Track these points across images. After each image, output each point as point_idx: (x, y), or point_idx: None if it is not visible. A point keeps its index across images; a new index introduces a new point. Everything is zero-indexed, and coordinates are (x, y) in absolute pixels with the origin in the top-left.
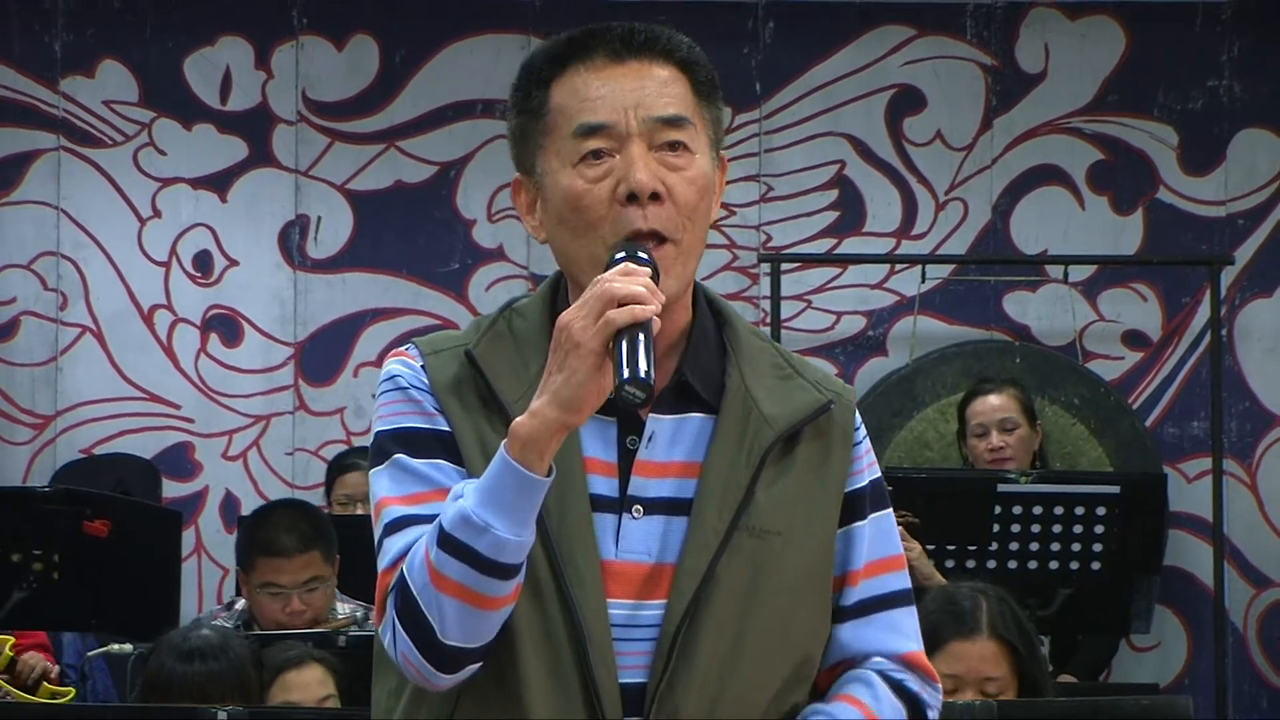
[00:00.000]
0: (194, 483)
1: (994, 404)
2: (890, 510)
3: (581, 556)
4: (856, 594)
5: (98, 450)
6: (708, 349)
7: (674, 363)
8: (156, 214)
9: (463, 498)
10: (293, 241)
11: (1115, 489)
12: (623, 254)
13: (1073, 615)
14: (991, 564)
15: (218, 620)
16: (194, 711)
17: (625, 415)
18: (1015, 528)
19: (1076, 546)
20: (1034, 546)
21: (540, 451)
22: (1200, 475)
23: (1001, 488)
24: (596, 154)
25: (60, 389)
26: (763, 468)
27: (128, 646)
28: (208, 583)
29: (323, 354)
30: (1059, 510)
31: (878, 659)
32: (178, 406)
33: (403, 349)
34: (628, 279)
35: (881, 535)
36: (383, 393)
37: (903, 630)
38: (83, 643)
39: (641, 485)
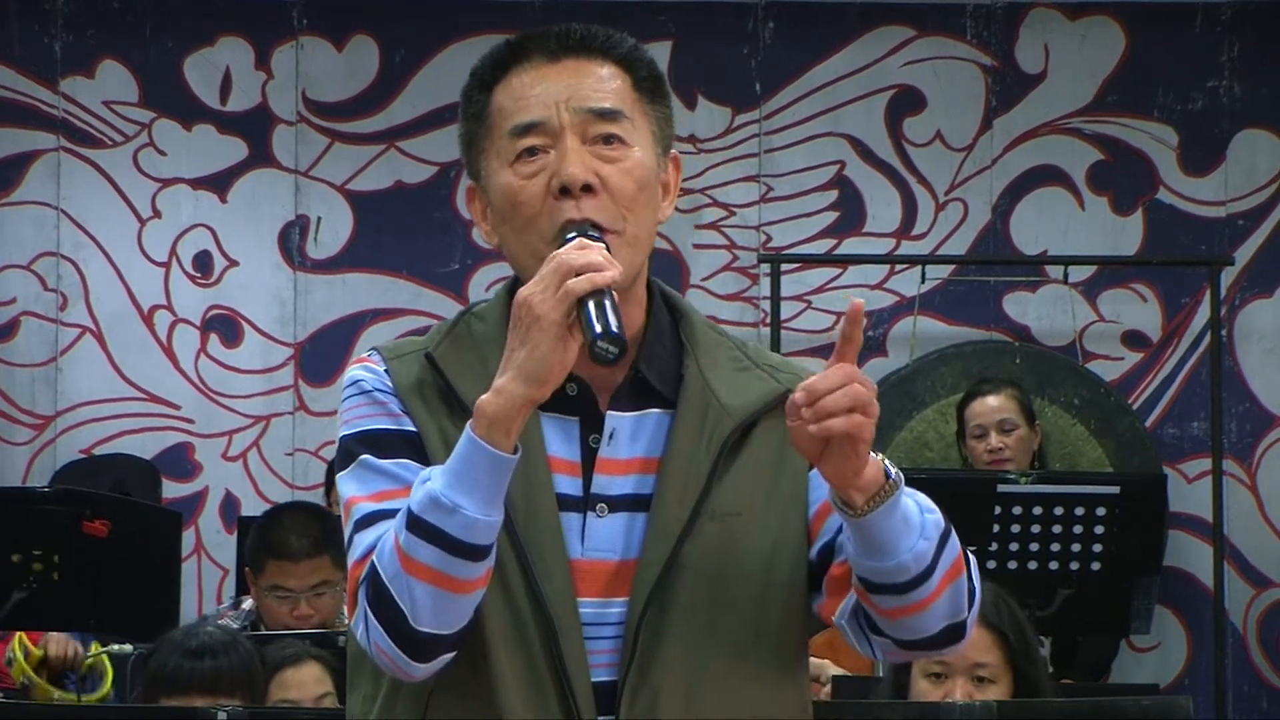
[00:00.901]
0: (194, 483)
1: (992, 405)
2: None
3: (550, 555)
4: None
5: (98, 450)
6: (664, 345)
7: (631, 359)
8: (156, 214)
9: (430, 481)
10: (293, 242)
11: (1115, 489)
12: (574, 234)
13: (1073, 616)
14: (991, 564)
15: (224, 620)
16: (194, 711)
17: (587, 414)
18: (1015, 528)
19: (1076, 547)
20: (1034, 547)
21: (506, 429)
22: (1200, 475)
23: (1001, 488)
24: (531, 151)
25: (60, 389)
26: (722, 457)
27: (128, 646)
28: (208, 583)
29: (323, 354)
30: (1059, 511)
31: None
32: (178, 407)
33: (364, 355)
34: (583, 251)
35: None
36: (347, 398)
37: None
38: (83, 643)
39: (605, 483)
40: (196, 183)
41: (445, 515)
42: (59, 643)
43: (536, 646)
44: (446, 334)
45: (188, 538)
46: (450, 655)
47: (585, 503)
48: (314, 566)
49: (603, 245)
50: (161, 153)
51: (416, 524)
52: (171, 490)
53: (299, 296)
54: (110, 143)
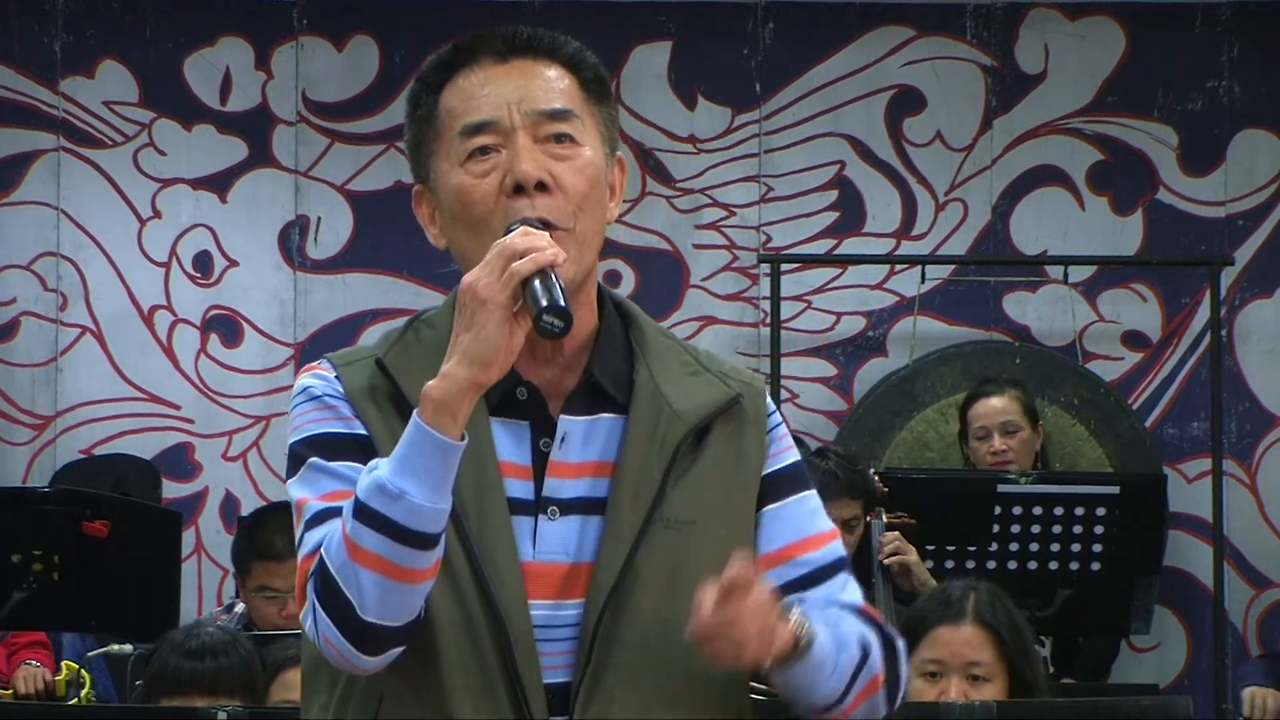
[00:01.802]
0: (194, 483)
1: (996, 406)
2: (813, 491)
3: (502, 558)
4: (797, 569)
5: (98, 451)
6: (615, 349)
7: (583, 364)
8: (156, 214)
9: (377, 469)
10: (293, 242)
11: (1115, 489)
12: (517, 223)
13: (1073, 616)
14: (991, 564)
15: (219, 623)
16: (194, 711)
17: (538, 418)
18: (1015, 528)
19: (1076, 547)
20: (1034, 547)
21: (453, 414)
22: (1200, 476)
23: (1001, 488)
24: (483, 150)
25: (60, 389)
26: (675, 462)
27: (128, 647)
28: (208, 583)
29: (323, 355)
30: (1059, 511)
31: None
32: (178, 407)
33: (314, 364)
34: (527, 237)
35: (810, 514)
36: (296, 405)
37: (852, 590)
38: (83, 643)
39: (556, 486)
40: (196, 183)
41: (391, 501)
42: (27, 679)
43: (489, 650)
44: (396, 340)
45: (188, 538)
46: (399, 650)
47: (537, 506)
48: None
49: (546, 234)
50: (161, 153)
51: (363, 511)
52: (171, 490)
53: (299, 296)
54: (110, 143)
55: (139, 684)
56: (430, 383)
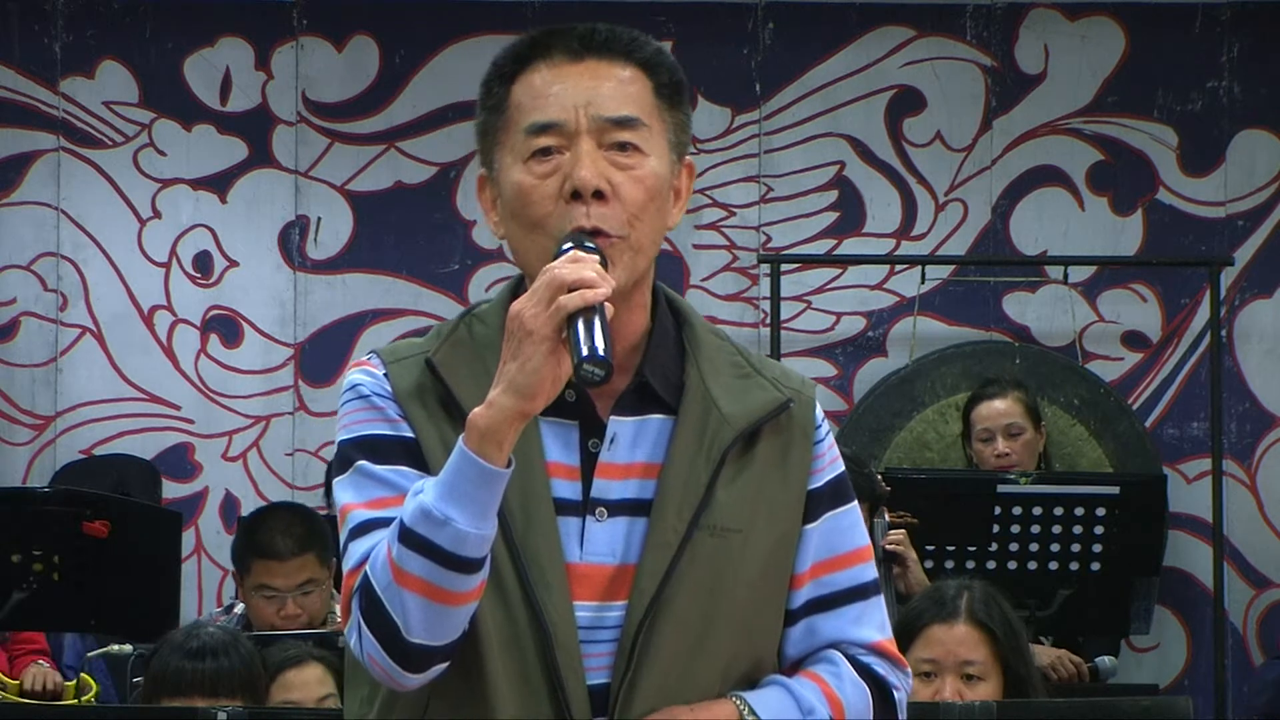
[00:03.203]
0: (194, 483)
1: (999, 409)
2: (854, 503)
3: (547, 560)
4: (818, 589)
5: (98, 451)
6: (667, 350)
7: (634, 364)
8: (156, 215)
9: (423, 493)
10: (293, 242)
11: (1115, 490)
12: (570, 244)
13: (1073, 616)
14: (991, 565)
15: (217, 623)
16: (194, 711)
17: (587, 418)
18: (1015, 529)
19: (1076, 547)
20: (1034, 547)
21: (499, 442)
22: (1200, 476)
23: (1001, 488)
24: (545, 151)
25: (60, 389)
26: (722, 467)
27: (128, 647)
28: (208, 583)
29: (323, 355)
30: (1059, 511)
31: (844, 644)
32: (178, 407)
33: (364, 359)
34: (576, 265)
35: (841, 531)
36: (345, 402)
37: (869, 621)
38: (83, 643)
39: (604, 487)
40: (196, 183)
41: (436, 528)
42: (35, 676)
43: (531, 653)
44: (447, 337)
45: (188, 538)
46: (444, 666)
47: (584, 507)
48: (300, 565)
49: (597, 258)
50: (161, 153)
51: (408, 536)
52: (171, 490)
53: (299, 297)
54: (110, 143)
55: (139, 684)
56: (476, 410)
